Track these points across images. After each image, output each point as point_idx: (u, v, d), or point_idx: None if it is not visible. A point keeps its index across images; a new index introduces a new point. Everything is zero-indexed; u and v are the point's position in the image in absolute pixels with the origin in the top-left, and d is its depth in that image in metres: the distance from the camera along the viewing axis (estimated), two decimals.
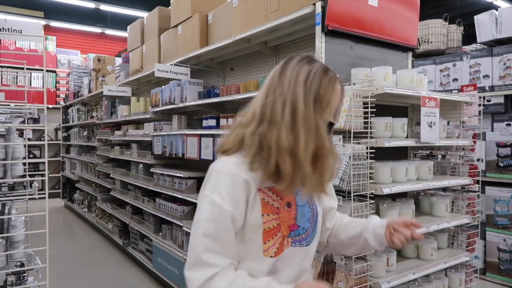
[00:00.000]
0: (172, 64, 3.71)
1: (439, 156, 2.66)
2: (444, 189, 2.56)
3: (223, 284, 1.02)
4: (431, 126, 2.06)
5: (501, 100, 4.19)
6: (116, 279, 4.22)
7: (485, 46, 4.43)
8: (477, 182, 2.42)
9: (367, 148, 1.87)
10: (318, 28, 2.21)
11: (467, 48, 4.83)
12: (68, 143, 8.37)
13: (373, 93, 1.89)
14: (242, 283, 1.03)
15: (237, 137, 1.16)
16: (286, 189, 1.10)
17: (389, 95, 2.02)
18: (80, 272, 4.42)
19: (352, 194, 1.79)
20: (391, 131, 1.99)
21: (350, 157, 1.80)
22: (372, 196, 1.89)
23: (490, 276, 4.11)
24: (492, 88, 4.24)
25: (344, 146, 1.86)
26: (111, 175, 5.43)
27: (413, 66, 5.11)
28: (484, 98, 4.29)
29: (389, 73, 2.02)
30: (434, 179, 2.23)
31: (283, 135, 1.06)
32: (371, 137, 1.90)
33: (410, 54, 2.71)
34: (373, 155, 1.88)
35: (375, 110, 1.85)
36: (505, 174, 4.04)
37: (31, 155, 9.28)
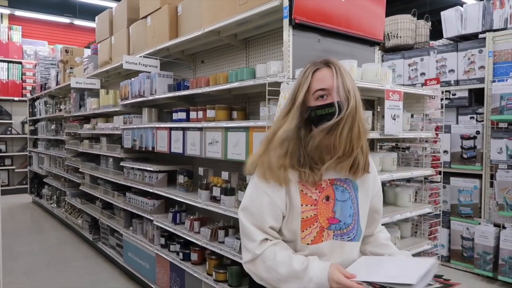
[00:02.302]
0: (141, 56, 3.64)
1: (410, 149, 2.74)
2: (409, 180, 2.64)
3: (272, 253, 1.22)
4: (394, 119, 2.11)
5: (465, 94, 4.34)
6: (86, 275, 4.14)
7: (451, 42, 4.57)
8: (439, 173, 2.51)
9: None
10: (286, 21, 2.22)
11: (435, 43, 4.97)
12: (35, 137, 8.10)
13: None
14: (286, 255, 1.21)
15: None
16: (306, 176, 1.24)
17: None
18: (48, 270, 4.32)
19: None
20: None
21: None
22: None
23: (454, 263, 4.28)
24: (457, 83, 4.38)
25: None
26: (80, 170, 5.30)
27: (383, 61, 5.25)
28: (449, 92, 4.44)
29: (354, 67, 2.06)
30: (397, 171, 2.30)
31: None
32: None
33: (377, 48, 2.76)
34: None
35: None
36: (468, 165, 4.20)
37: None
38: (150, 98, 3.59)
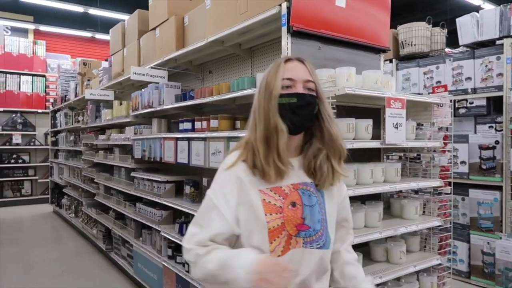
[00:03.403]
0: (149, 67, 3.68)
1: (422, 159, 2.63)
2: (417, 191, 2.54)
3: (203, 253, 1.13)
4: (397, 128, 2.03)
5: (483, 102, 4.17)
6: (98, 286, 4.16)
7: (468, 49, 4.42)
8: (449, 184, 2.39)
9: None
10: (284, 29, 2.19)
11: (451, 50, 4.83)
12: (56, 147, 8.32)
13: (335, 94, 1.86)
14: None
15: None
16: (264, 177, 1.16)
17: (354, 96, 2.00)
18: (61, 279, 4.36)
19: None
20: (354, 133, 1.96)
21: None
22: None
23: (474, 280, 4.07)
24: (474, 91, 4.22)
25: None
26: (95, 180, 5.38)
27: (397, 69, 5.13)
28: (466, 100, 4.29)
29: (352, 74, 2.00)
30: (402, 181, 2.20)
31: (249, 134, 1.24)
32: None
33: (382, 55, 2.69)
34: None
35: (335, 111, 1.82)
36: (488, 176, 4.02)
37: (20, 160, 9.24)
38: (159, 108, 3.61)
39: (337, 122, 1.92)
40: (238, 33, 2.71)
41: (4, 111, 9.06)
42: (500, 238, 3.77)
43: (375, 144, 2.01)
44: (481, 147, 4.08)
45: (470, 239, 4.13)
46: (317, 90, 1.23)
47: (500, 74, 3.96)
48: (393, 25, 5.00)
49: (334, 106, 1.83)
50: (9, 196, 9.17)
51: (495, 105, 4.13)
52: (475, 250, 4.08)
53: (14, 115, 9.19)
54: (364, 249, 2.22)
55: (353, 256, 1.36)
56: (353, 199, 2.21)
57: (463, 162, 4.22)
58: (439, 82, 4.56)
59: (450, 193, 2.41)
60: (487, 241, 3.96)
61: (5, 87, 9.15)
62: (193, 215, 3.10)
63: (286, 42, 2.18)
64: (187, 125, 3.22)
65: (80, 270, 4.67)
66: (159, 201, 3.48)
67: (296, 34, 2.20)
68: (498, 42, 4.00)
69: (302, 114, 1.18)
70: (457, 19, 4.44)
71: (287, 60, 1.24)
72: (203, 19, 3.05)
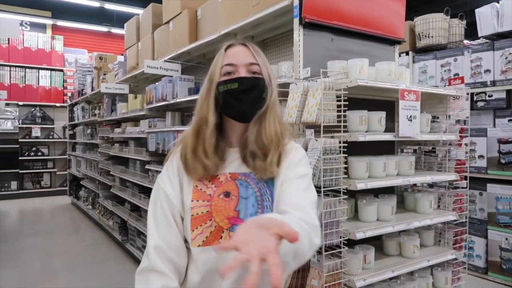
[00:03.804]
0: (163, 61, 3.70)
1: (438, 152, 2.58)
2: (431, 185, 2.49)
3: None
4: (410, 120, 2.00)
5: (503, 95, 4.07)
6: (113, 276, 4.24)
7: (487, 40, 4.30)
8: (465, 178, 2.34)
9: (340, 142, 1.82)
10: (296, 21, 2.16)
11: (469, 42, 4.71)
12: (74, 141, 8.47)
13: (347, 86, 1.84)
14: None
15: None
16: (192, 172, 1.13)
17: (367, 88, 1.97)
18: (77, 269, 4.46)
19: (322, 189, 1.75)
20: (366, 125, 1.93)
21: (320, 151, 1.75)
22: (346, 191, 1.84)
23: (492, 276, 3.99)
24: (493, 83, 4.11)
25: (316, 140, 1.82)
26: (111, 172, 5.46)
27: (414, 62, 5.04)
28: (485, 93, 4.18)
29: (365, 66, 1.97)
30: (416, 175, 2.16)
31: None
32: (345, 131, 1.85)
33: (397, 47, 2.64)
34: (345, 149, 1.83)
35: (347, 103, 1.80)
36: (507, 171, 3.92)
37: (39, 153, 9.44)
38: (172, 101, 3.64)
39: (349, 115, 1.91)
40: (250, 25, 2.69)
41: (24, 105, 9.27)
42: None
43: (387, 136, 1.98)
44: (500, 141, 3.98)
45: (488, 235, 4.04)
46: (263, 73, 1.14)
47: None
48: (410, 17, 4.91)
49: (346, 98, 1.81)
50: (29, 188, 9.40)
51: None
52: (492, 245, 4.00)
53: (33, 109, 9.39)
54: (376, 243, 2.20)
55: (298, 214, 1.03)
56: (365, 192, 2.19)
57: (481, 156, 4.13)
58: (456, 74, 4.46)
59: (466, 187, 2.36)
60: (506, 237, 3.88)
61: (25, 82, 9.34)
62: None
63: (298, 34, 2.16)
64: None
65: (97, 260, 4.77)
66: None
67: (308, 25, 2.18)
68: None
69: (246, 99, 1.11)
70: (476, 10, 4.32)
71: (228, 46, 1.18)
72: (216, 12, 3.05)
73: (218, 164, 1.14)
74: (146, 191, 4.41)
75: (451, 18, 4.78)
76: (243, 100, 1.11)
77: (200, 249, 1.09)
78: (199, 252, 1.10)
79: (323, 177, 1.75)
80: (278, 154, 1.14)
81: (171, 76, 3.71)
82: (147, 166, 4.17)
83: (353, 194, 2.14)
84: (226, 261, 1.03)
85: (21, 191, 9.20)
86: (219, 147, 1.15)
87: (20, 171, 9.17)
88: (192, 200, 1.11)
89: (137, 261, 4.54)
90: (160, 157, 4.20)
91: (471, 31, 4.84)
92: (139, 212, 4.64)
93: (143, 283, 1.08)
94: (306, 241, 0.94)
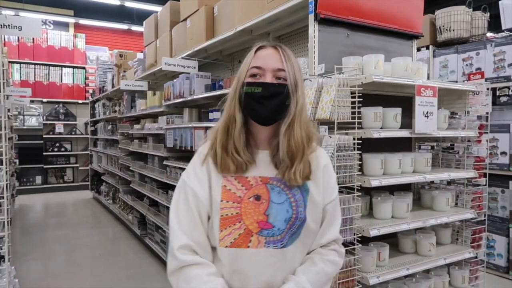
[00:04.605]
0: (181, 58, 3.74)
1: (457, 149, 2.53)
2: (450, 182, 2.45)
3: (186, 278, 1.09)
4: (427, 116, 1.97)
5: None
6: (132, 268, 4.34)
7: (511, 33, 4.17)
8: (484, 175, 2.30)
9: (354, 139, 1.81)
10: (311, 17, 2.16)
11: (493, 35, 4.57)
12: (95, 137, 8.66)
13: (361, 82, 1.82)
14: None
15: None
16: (223, 167, 1.14)
17: (382, 84, 1.95)
18: (98, 261, 4.58)
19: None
20: (381, 122, 1.91)
21: (334, 148, 1.75)
22: (360, 188, 1.83)
23: None
24: None
25: (330, 137, 1.81)
26: (130, 168, 5.57)
27: (434, 56, 4.93)
28: (508, 88, 4.06)
29: (380, 61, 1.95)
30: (433, 172, 2.13)
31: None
32: (359, 128, 1.84)
33: (415, 41, 2.59)
34: (360, 146, 1.82)
35: (361, 99, 1.78)
36: None
37: (62, 149, 9.70)
38: (189, 98, 3.68)
39: (364, 111, 1.90)
40: (266, 22, 2.70)
41: (47, 102, 9.53)
42: None
43: (403, 133, 1.96)
44: None
45: (510, 233, 3.94)
46: (290, 80, 1.13)
47: None
48: (431, 11, 4.80)
49: (361, 94, 1.79)
50: (53, 183, 9.68)
51: None
52: None
53: (56, 105, 9.64)
54: (392, 240, 2.18)
55: (326, 257, 1.18)
56: (380, 190, 2.17)
57: (503, 153, 4.02)
58: (479, 69, 4.34)
59: (485, 185, 2.31)
60: None
61: (48, 79, 9.59)
62: None
63: (313, 30, 2.15)
64: (216, 115, 3.26)
65: (117, 253, 4.88)
66: None
67: (324, 21, 2.17)
68: None
69: (268, 105, 1.12)
70: (500, 2, 4.19)
71: (260, 47, 1.19)
72: (232, 9, 3.06)
73: (249, 162, 1.15)
74: (164, 187, 4.48)
75: (473, 10, 4.65)
76: (265, 105, 1.12)
77: (228, 250, 1.11)
78: (227, 253, 1.12)
79: (337, 174, 1.75)
80: (305, 163, 1.15)
81: (188, 73, 3.75)
82: (165, 162, 4.23)
83: (368, 191, 2.13)
84: (254, 263, 1.10)
85: (45, 186, 9.48)
86: (248, 146, 1.18)
87: (45, 166, 9.45)
88: (221, 200, 1.12)
89: (155, 255, 4.63)
90: (178, 153, 4.25)
91: (495, 24, 4.69)
92: (158, 207, 4.73)
93: (184, 281, 1.09)
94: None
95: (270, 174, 1.16)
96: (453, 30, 4.62)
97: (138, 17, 9.95)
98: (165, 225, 4.28)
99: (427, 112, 1.96)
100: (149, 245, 4.85)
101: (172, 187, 4.18)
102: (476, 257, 2.30)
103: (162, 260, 4.41)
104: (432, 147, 2.54)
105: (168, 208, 4.22)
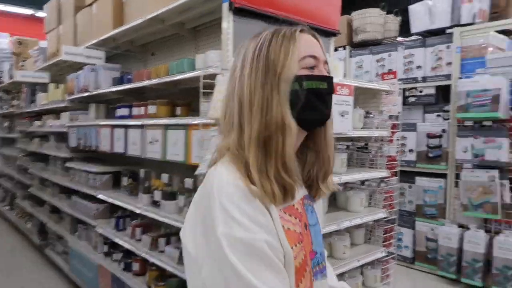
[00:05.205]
0: (84, 47, 3.35)
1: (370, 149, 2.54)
2: (363, 182, 2.45)
3: None
4: (343, 116, 1.91)
5: (433, 91, 4.20)
6: (28, 285, 3.82)
7: (419, 37, 4.42)
8: (395, 174, 2.32)
9: None
10: (225, 6, 1.99)
11: (403, 39, 4.82)
12: None
13: None
14: None
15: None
16: (265, 198, 0.79)
17: None
18: None
19: None
20: None
21: None
22: None
23: (418, 265, 4.14)
24: (424, 79, 4.23)
25: None
26: (29, 170, 4.94)
27: (351, 56, 5.07)
28: (416, 89, 4.29)
29: None
30: (348, 173, 2.09)
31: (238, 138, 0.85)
32: None
33: (333, 39, 2.55)
34: None
35: None
36: (434, 164, 4.06)
37: None
38: (95, 92, 3.30)
39: None
40: (178, 10, 2.47)
41: None
42: (443, 224, 3.83)
43: None
44: (429, 136, 4.11)
45: (415, 226, 4.18)
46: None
47: (450, 63, 3.98)
48: (348, 12, 4.92)
49: None
50: None
51: (444, 94, 4.16)
52: (419, 236, 4.14)
53: None
54: None
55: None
56: None
57: (411, 150, 4.25)
58: (390, 70, 4.54)
59: (397, 184, 2.34)
60: (431, 228, 4.02)
61: None
62: (130, 210, 2.86)
63: (228, 20, 1.98)
64: (124, 111, 2.95)
65: (11, 268, 4.28)
66: (93, 194, 3.20)
67: (239, 12, 2.01)
68: (448, 31, 4.00)
69: (330, 103, 0.89)
70: (409, 7, 4.42)
71: (302, 30, 0.90)
72: None
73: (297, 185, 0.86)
74: (69, 191, 4.00)
75: (387, 14, 4.86)
76: (328, 104, 0.89)
77: None
78: None
79: None
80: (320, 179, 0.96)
81: (94, 64, 3.37)
82: (68, 164, 3.78)
83: None
84: None
85: None
86: None
87: None
88: (291, 247, 0.82)
89: (57, 268, 4.13)
90: (84, 154, 3.83)
91: (406, 28, 4.95)
92: (60, 214, 4.23)
93: None
94: None
95: (304, 191, 0.94)
96: (369, 31, 4.77)
97: (45, 1, 9.00)
98: (68, 234, 3.83)
99: (343, 112, 1.90)
100: (50, 257, 4.32)
101: (76, 192, 3.74)
102: (388, 256, 2.32)
103: (63, 273, 3.94)
104: (348, 147, 2.53)
105: (71, 215, 3.76)
